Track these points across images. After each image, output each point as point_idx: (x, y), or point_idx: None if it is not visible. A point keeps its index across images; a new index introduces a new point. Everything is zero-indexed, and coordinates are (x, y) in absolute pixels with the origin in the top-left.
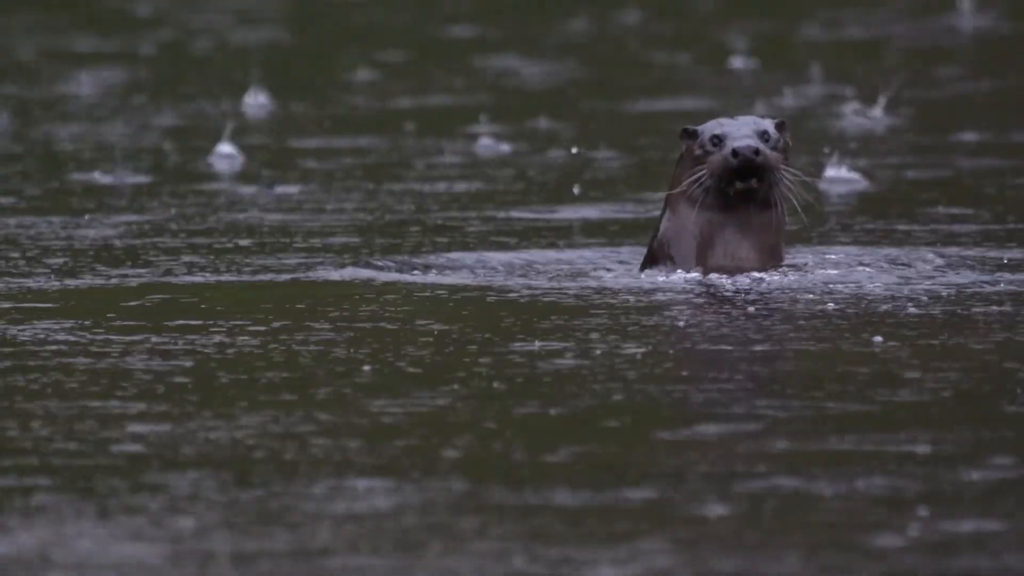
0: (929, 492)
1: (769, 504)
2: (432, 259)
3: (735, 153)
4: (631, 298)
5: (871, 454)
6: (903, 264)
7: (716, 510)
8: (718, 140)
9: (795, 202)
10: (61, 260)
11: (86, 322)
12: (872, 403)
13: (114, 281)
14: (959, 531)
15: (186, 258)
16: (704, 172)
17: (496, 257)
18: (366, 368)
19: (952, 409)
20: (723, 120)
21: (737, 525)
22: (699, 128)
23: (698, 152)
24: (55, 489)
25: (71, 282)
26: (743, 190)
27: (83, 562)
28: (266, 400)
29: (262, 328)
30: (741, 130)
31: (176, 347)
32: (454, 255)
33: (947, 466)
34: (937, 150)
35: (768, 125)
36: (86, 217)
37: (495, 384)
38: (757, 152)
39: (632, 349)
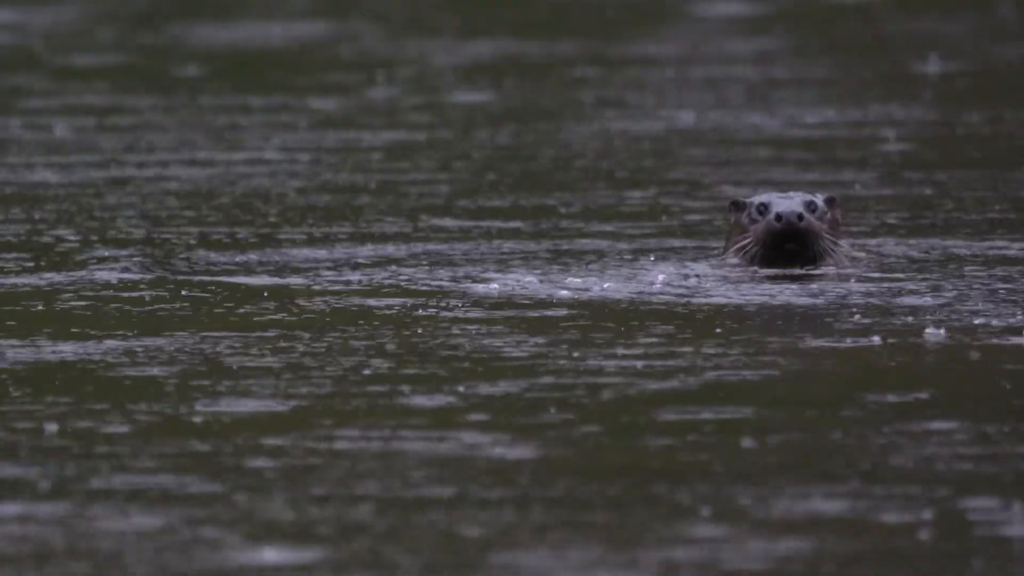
0: None
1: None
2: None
3: (779, 217)
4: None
5: None
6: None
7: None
8: (764, 208)
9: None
10: None
11: None
12: None
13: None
14: None
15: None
16: (750, 240)
17: None
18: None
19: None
20: (771, 192)
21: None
22: (747, 200)
23: (745, 222)
24: None
25: None
26: (789, 251)
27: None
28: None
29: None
30: (787, 199)
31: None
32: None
33: None
34: None
35: (816, 198)
36: None
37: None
38: (800, 217)
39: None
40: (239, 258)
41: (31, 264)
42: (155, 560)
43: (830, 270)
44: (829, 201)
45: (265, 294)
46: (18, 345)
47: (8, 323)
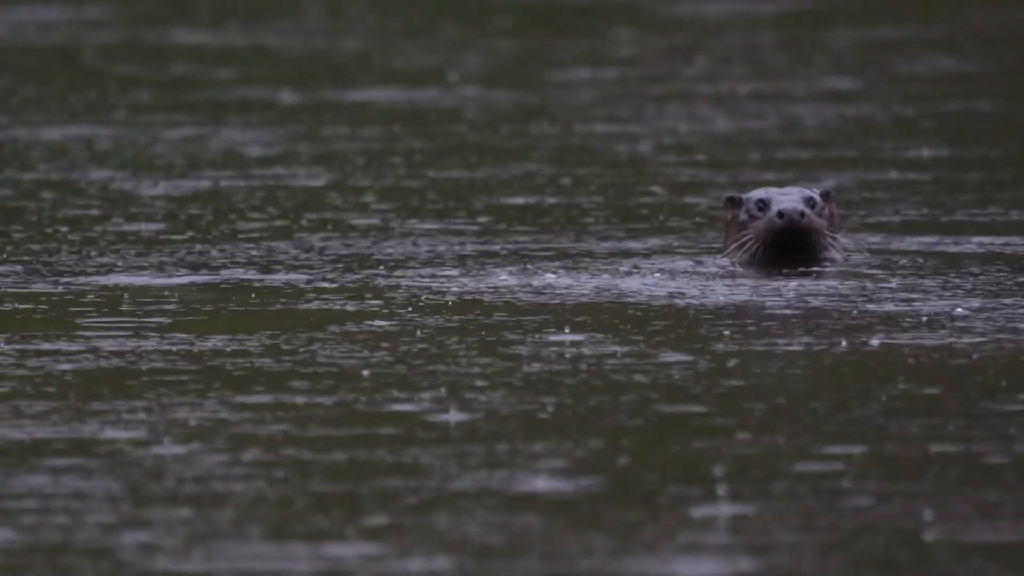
0: None
1: None
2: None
3: (780, 214)
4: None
5: None
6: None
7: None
8: (763, 205)
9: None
10: None
11: None
12: None
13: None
14: None
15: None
16: (750, 236)
17: None
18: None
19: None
20: (769, 188)
21: None
22: (744, 196)
23: (743, 218)
24: None
25: None
26: (791, 248)
27: None
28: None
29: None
30: (787, 196)
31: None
32: None
33: None
34: None
35: (814, 194)
36: None
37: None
38: (802, 215)
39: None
40: (224, 258)
41: (20, 268)
42: (153, 559)
43: (829, 267)
44: (825, 195)
45: (253, 295)
46: (14, 345)
47: (4, 320)
